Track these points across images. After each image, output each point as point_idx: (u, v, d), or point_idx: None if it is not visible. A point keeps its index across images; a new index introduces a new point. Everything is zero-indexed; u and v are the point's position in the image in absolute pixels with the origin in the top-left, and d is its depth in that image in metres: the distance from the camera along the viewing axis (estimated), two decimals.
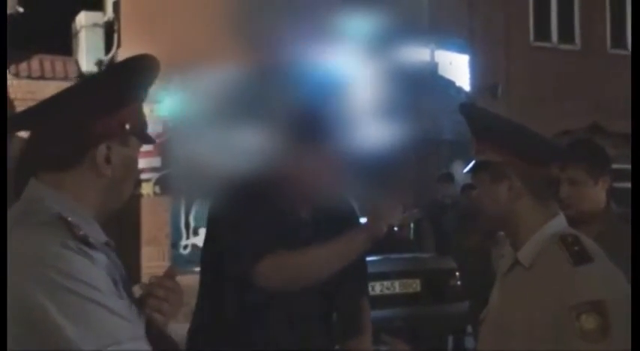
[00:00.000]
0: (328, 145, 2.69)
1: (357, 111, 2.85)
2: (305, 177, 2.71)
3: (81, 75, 11.61)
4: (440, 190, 9.13)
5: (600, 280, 2.02)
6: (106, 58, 11.92)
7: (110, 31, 11.98)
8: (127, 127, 1.82)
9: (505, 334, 2.13)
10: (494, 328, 2.22)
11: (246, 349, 2.74)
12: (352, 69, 2.98)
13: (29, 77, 11.43)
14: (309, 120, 2.73)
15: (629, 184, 2.99)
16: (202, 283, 2.90)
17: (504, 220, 2.20)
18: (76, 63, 12.03)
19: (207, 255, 2.88)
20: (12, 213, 1.75)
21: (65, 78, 11.45)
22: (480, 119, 2.27)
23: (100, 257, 1.70)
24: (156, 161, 10.36)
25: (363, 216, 2.86)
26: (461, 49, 13.27)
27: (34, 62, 11.60)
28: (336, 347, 2.94)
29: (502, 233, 2.41)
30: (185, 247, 11.83)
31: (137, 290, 1.87)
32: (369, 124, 2.84)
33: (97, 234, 1.77)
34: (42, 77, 11.48)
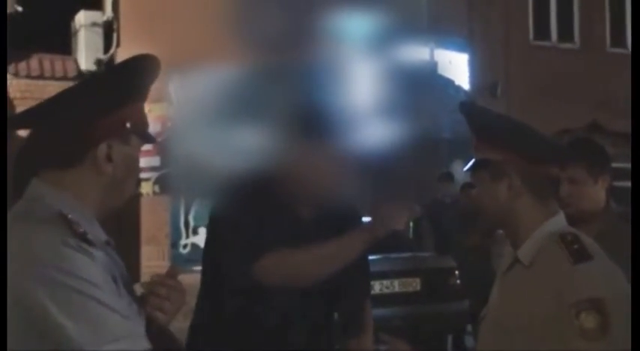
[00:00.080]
0: (329, 144, 2.69)
1: (357, 110, 2.85)
2: (306, 175, 2.71)
3: (80, 74, 11.60)
4: (440, 189, 9.13)
5: (600, 279, 2.02)
6: (105, 58, 11.91)
7: (109, 31, 11.97)
8: (128, 125, 1.82)
9: (505, 332, 2.13)
10: (493, 327, 2.22)
11: (247, 348, 2.74)
12: (352, 68, 2.98)
13: (28, 76, 11.43)
14: (310, 118, 2.73)
15: (628, 183, 2.99)
16: (203, 282, 2.90)
17: (504, 219, 2.20)
18: (75, 62, 12.02)
19: (209, 254, 2.88)
20: (13, 211, 1.76)
21: (64, 77, 11.45)
22: (480, 118, 2.27)
23: (100, 255, 1.71)
24: (155, 160, 10.36)
25: (365, 215, 2.86)
26: (460, 48, 13.27)
27: (34, 61, 11.59)
28: (337, 347, 2.94)
29: (501, 232, 2.41)
30: (185, 246, 11.82)
31: (138, 289, 1.88)
32: (369, 123, 2.84)
33: (97, 232, 1.77)
34: (41, 76, 11.47)
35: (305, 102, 2.81)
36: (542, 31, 14.76)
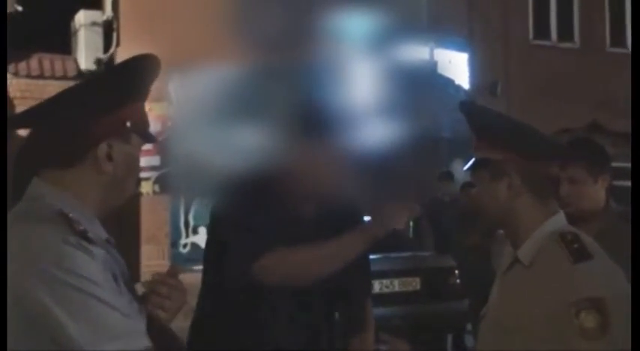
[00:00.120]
0: (329, 143, 2.69)
1: (357, 109, 2.85)
2: (307, 174, 2.72)
3: (80, 74, 11.61)
4: (440, 188, 9.13)
5: (600, 278, 2.02)
6: (105, 57, 11.91)
7: (109, 30, 11.97)
8: (129, 124, 1.83)
9: (504, 332, 2.13)
10: (493, 326, 2.22)
11: (248, 348, 2.74)
12: (352, 67, 2.98)
13: (28, 76, 11.43)
14: (311, 117, 2.73)
15: (628, 183, 2.99)
16: (204, 282, 2.90)
17: (504, 218, 2.20)
18: (75, 62, 12.02)
19: (210, 254, 2.88)
20: (13, 211, 1.77)
21: (64, 77, 11.45)
22: (480, 117, 2.27)
23: (100, 253, 1.71)
24: (155, 160, 10.36)
25: (365, 214, 2.86)
26: (460, 48, 13.27)
27: (33, 61, 11.60)
28: (338, 347, 2.94)
29: (501, 232, 2.41)
30: (184, 245, 11.83)
31: (139, 288, 1.88)
32: (369, 122, 2.84)
33: (98, 231, 1.78)
34: (41, 76, 11.47)
35: (305, 101, 2.81)
36: (542, 30, 14.76)
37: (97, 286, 1.64)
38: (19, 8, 11.06)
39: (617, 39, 14.91)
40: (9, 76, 10.85)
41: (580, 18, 15.01)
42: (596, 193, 3.14)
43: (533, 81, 13.94)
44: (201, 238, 11.50)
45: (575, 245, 2.07)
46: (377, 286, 7.93)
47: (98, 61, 11.89)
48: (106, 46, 11.96)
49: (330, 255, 2.67)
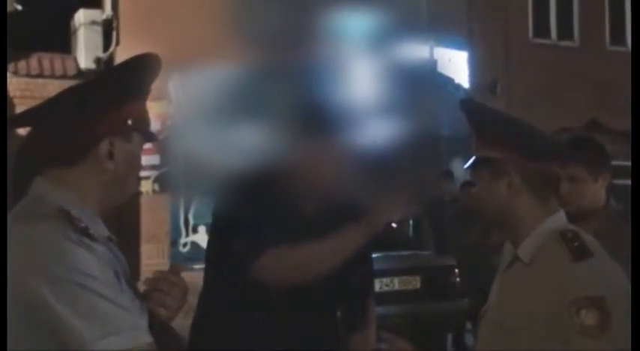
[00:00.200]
0: (330, 141, 2.69)
1: (357, 108, 2.85)
2: (308, 172, 2.72)
3: (80, 73, 11.61)
4: (440, 187, 9.12)
5: (600, 276, 2.02)
6: (104, 56, 11.91)
7: (109, 29, 11.97)
8: (130, 122, 1.84)
9: (505, 330, 2.13)
10: (493, 325, 2.21)
11: (249, 346, 2.74)
12: (352, 66, 2.98)
13: (28, 75, 11.43)
14: (312, 116, 2.73)
15: (628, 181, 2.99)
16: (206, 282, 2.90)
17: (504, 217, 2.20)
18: (75, 61, 12.02)
19: (212, 253, 2.88)
20: (15, 210, 1.78)
21: (64, 76, 11.46)
22: (480, 115, 2.27)
23: (102, 250, 1.72)
24: (155, 159, 10.36)
25: (365, 211, 2.86)
26: (460, 47, 13.27)
27: (33, 60, 11.60)
28: (339, 345, 2.94)
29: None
30: (184, 244, 11.83)
31: (141, 286, 1.89)
32: (369, 121, 2.84)
33: (99, 228, 1.79)
34: (41, 75, 11.47)
35: (306, 100, 2.81)
36: (542, 28, 14.76)
37: (97, 282, 1.65)
38: (19, 7, 11.06)
39: (617, 37, 14.91)
40: (9, 75, 10.85)
41: (580, 16, 15.01)
42: (596, 191, 3.15)
43: (532, 79, 13.94)
44: (201, 237, 11.50)
45: (576, 243, 2.07)
46: (377, 285, 7.92)
47: (98, 60, 11.89)
48: (106, 45, 11.96)
49: (330, 251, 2.67)
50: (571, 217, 2.24)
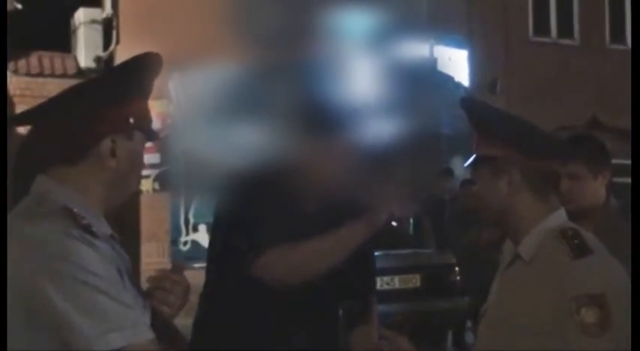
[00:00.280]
0: (331, 139, 2.69)
1: (358, 106, 2.85)
2: (309, 170, 2.72)
3: (80, 71, 11.61)
4: (440, 186, 9.11)
5: (600, 273, 2.03)
6: (104, 55, 11.92)
7: (109, 28, 11.97)
8: (132, 121, 1.84)
9: (505, 328, 2.13)
10: (494, 323, 2.22)
11: (250, 345, 2.74)
12: (352, 65, 2.98)
13: (28, 74, 11.43)
14: (314, 114, 2.73)
15: (628, 180, 2.99)
16: (207, 281, 2.90)
17: (504, 215, 2.20)
18: (75, 59, 12.02)
19: (213, 253, 2.88)
20: (19, 208, 1.79)
21: (64, 75, 11.46)
22: (480, 113, 2.27)
23: (104, 247, 1.73)
24: (155, 158, 10.37)
25: (366, 208, 2.86)
26: (460, 45, 13.27)
27: (33, 59, 11.60)
28: (341, 344, 2.94)
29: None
30: (185, 243, 11.83)
31: (144, 285, 1.90)
32: (369, 119, 2.84)
33: (102, 226, 1.79)
34: (41, 74, 11.48)
35: (307, 98, 2.81)
36: (542, 27, 14.75)
37: (99, 279, 1.65)
38: (19, 6, 11.06)
39: (617, 36, 14.90)
40: (9, 74, 10.85)
41: (580, 14, 15.00)
42: (596, 189, 3.14)
43: (533, 77, 13.93)
44: (201, 235, 11.51)
45: (576, 241, 2.07)
46: (377, 283, 7.92)
47: (98, 59, 11.89)
48: (106, 44, 11.97)
49: (331, 248, 2.67)
50: (571, 215, 2.24)
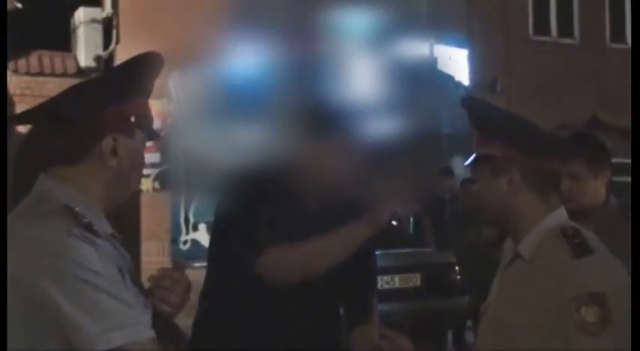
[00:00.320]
0: (333, 138, 2.69)
1: (358, 105, 2.86)
2: (310, 169, 2.72)
3: (80, 71, 11.61)
4: (441, 185, 9.11)
5: (601, 273, 2.02)
6: (104, 54, 11.91)
7: (109, 27, 11.97)
8: (133, 119, 1.85)
9: (505, 327, 2.13)
10: (494, 322, 2.22)
11: (251, 344, 2.74)
12: (353, 64, 2.98)
13: (28, 73, 11.42)
14: (314, 112, 2.73)
15: (628, 179, 2.99)
16: (208, 280, 2.90)
17: (504, 214, 2.20)
18: (75, 59, 12.02)
19: (214, 252, 2.88)
20: (20, 207, 1.80)
21: (64, 74, 11.45)
22: (481, 112, 2.27)
23: (105, 245, 1.73)
24: (155, 157, 10.37)
25: (367, 207, 2.86)
26: (460, 44, 13.26)
27: (33, 58, 11.59)
28: (342, 343, 2.94)
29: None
30: (185, 242, 11.83)
31: (145, 284, 1.91)
32: (370, 119, 2.84)
33: (103, 225, 1.80)
34: (41, 73, 11.47)
35: (307, 97, 2.81)
36: (542, 26, 14.75)
37: (101, 277, 1.66)
38: (19, 5, 11.06)
39: (617, 35, 14.90)
40: (9, 73, 10.85)
41: (580, 14, 15.00)
42: (596, 188, 3.14)
43: (533, 77, 13.93)
44: (201, 234, 11.51)
45: (576, 240, 2.07)
46: (377, 283, 7.92)
47: (98, 58, 11.89)
48: (106, 44, 11.96)
49: (332, 248, 2.67)
50: (571, 214, 2.24)
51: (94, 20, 12.06)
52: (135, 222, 11.21)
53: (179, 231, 11.79)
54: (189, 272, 2.00)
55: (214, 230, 2.92)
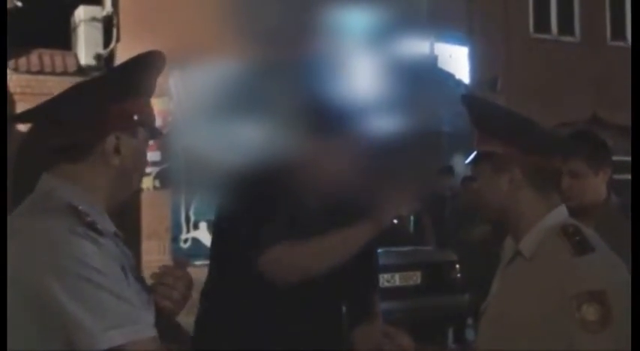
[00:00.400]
0: (334, 136, 2.69)
1: (358, 104, 2.85)
2: (312, 167, 2.72)
3: (80, 69, 11.61)
4: (441, 183, 9.11)
5: (601, 271, 2.02)
6: (104, 52, 11.92)
7: (109, 26, 11.97)
8: (136, 118, 1.86)
9: (505, 325, 2.13)
10: (494, 320, 2.22)
11: (253, 342, 2.74)
12: (352, 62, 2.98)
13: (28, 72, 11.43)
14: (315, 112, 2.73)
15: (628, 176, 2.99)
16: (210, 279, 2.90)
17: (505, 212, 2.20)
18: (75, 57, 12.02)
19: (216, 251, 2.88)
20: (23, 205, 1.80)
21: (64, 72, 11.45)
22: (481, 110, 2.27)
23: (109, 243, 1.74)
24: (155, 155, 10.36)
25: (369, 206, 2.86)
26: (460, 42, 13.26)
27: (34, 57, 11.59)
28: (344, 343, 2.94)
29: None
30: (185, 240, 11.83)
31: (148, 281, 1.91)
32: (370, 117, 2.84)
33: (106, 224, 1.80)
34: (41, 72, 11.47)
35: (308, 96, 2.81)
36: (542, 24, 14.74)
37: (102, 275, 1.66)
38: (19, 4, 11.06)
39: (618, 32, 14.90)
40: (9, 71, 10.85)
41: (581, 11, 15.00)
42: (597, 186, 3.15)
43: (533, 75, 13.93)
44: (201, 233, 11.51)
45: (577, 238, 2.07)
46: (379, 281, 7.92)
47: (98, 57, 11.89)
48: (106, 42, 11.96)
49: (336, 247, 2.67)
50: (572, 212, 2.24)
51: (94, 18, 12.07)
52: (135, 220, 11.22)
53: (179, 229, 11.79)
54: (189, 270, 2.01)
55: (215, 230, 2.93)
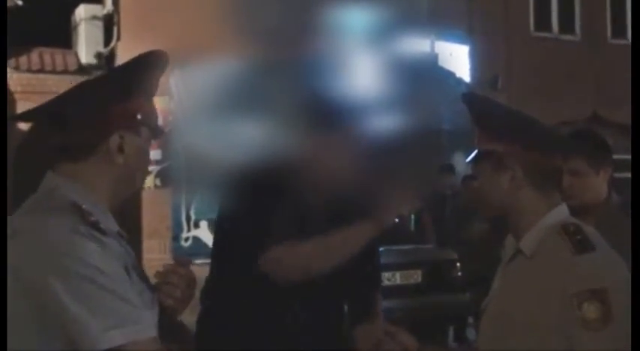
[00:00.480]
0: (335, 135, 2.69)
1: (359, 102, 2.85)
2: (313, 166, 2.72)
3: (81, 68, 11.61)
4: (441, 181, 9.11)
5: (602, 269, 2.03)
6: (105, 51, 11.92)
7: (110, 24, 11.97)
8: (139, 117, 1.86)
9: (506, 324, 2.13)
10: (495, 318, 2.22)
11: (256, 341, 2.74)
12: (353, 61, 2.98)
13: (29, 70, 11.43)
14: (317, 110, 2.73)
15: (629, 175, 2.99)
16: (211, 277, 2.90)
17: (506, 210, 2.20)
18: (76, 56, 12.02)
19: (217, 250, 2.88)
20: (27, 203, 1.80)
21: (65, 71, 11.46)
22: (482, 108, 2.27)
23: (112, 243, 1.74)
24: (156, 154, 10.36)
25: (371, 205, 2.86)
26: (461, 40, 13.26)
27: (34, 55, 11.59)
28: (346, 341, 2.94)
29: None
30: (186, 239, 11.84)
31: (152, 280, 1.92)
32: (370, 116, 2.84)
33: (109, 223, 1.81)
34: (42, 70, 11.47)
35: (309, 95, 2.81)
36: (543, 22, 14.74)
37: (104, 275, 1.66)
38: (20, 2, 11.06)
39: (619, 31, 14.89)
40: (10, 70, 10.86)
41: (581, 10, 14.99)
42: (597, 185, 3.14)
43: (534, 73, 13.92)
44: (202, 231, 11.52)
45: (578, 236, 2.07)
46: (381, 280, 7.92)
47: (99, 55, 11.89)
48: (107, 40, 11.96)
49: (337, 247, 2.67)
50: (573, 211, 2.24)
51: (94, 17, 12.07)
52: (136, 219, 11.22)
53: (180, 228, 11.80)
54: (191, 269, 2.02)
55: (217, 229, 2.93)
